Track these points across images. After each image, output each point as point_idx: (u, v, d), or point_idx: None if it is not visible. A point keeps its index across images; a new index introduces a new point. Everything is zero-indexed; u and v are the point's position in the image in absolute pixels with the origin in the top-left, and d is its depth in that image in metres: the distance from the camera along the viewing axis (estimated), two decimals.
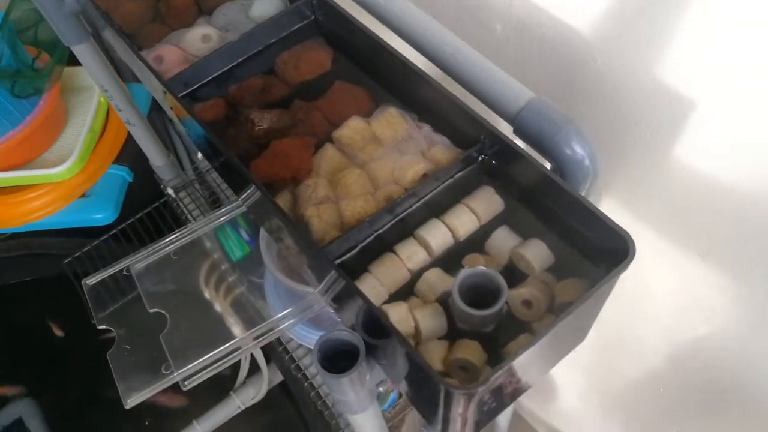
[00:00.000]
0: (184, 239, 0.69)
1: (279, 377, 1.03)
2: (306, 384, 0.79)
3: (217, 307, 0.71)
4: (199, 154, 1.30)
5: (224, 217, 0.71)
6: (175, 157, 1.15)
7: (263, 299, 0.74)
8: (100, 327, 0.64)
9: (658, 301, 0.74)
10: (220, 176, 0.54)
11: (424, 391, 0.38)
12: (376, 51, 0.48)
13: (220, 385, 1.07)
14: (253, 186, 0.43)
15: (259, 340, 0.61)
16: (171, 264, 0.68)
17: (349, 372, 0.42)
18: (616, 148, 0.59)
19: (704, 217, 0.57)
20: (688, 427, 0.85)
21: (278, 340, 0.83)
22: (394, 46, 0.50)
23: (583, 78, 0.59)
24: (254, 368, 1.01)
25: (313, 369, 0.80)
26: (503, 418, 1.16)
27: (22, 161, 1.12)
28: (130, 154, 1.25)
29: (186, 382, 0.58)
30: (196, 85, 0.52)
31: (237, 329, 0.68)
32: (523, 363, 0.38)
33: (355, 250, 0.42)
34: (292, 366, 0.81)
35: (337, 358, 0.43)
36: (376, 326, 0.42)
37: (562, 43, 0.58)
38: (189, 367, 0.58)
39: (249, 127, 0.48)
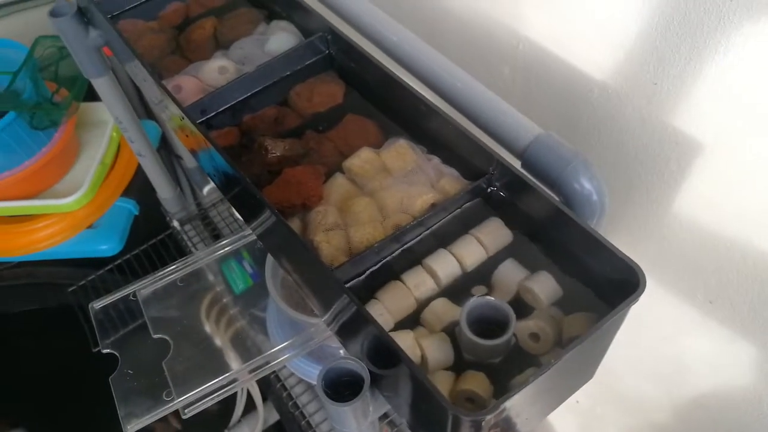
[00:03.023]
0: (190, 266, 0.69)
1: (274, 417, 1.01)
2: (303, 422, 0.77)
3: (219, 338, 0.71)
4: (204, 190, 1.31)
5: (230, 247, 0.72)
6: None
7: (264, 333, 0.74)
8: (104, 351, 0.63)
9: (661, 348, 0.73)
10: (231, 205, 0.55)
11: (430, 420, 0.38)
12: (388, 85, 0.50)
13: (215, 423, 1.04)
14: (265, 211, 0.43)
15: (260, 370, 0.60)
16: (177, 291, 0.68)
17: (353, 401, 0.41)
18: (621, 186, 0.59)
19: (711, 262, 0.57)
20: None
21: (276, 376, 0.82)
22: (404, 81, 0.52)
23: (585, 115, 0.60)
24: (250, 406, 1.00)
25: (311, 407, 0.79)
26: None
27: (34, 191, 1.13)
28: (137, 188, 1.27)
29: (186, 410, 0.57)
30: (213, 113, 0.53)
31: (237, 360, 0.67)
32: (531, 395, 0.37)
33: (362, 276, 0.42)
34: (290, 403, 0.80)
35: (341, 388, 0.43)
36: (382, 355, 0.42)
37: (565, 82, 0.60)
38: (190, 394, 0.57)
39: (262, 154, 0.49)
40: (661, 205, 0.59)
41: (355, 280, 0.42)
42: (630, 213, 0.62)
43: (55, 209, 1.12)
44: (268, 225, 0.46)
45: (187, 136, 0.54)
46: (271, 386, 0.86)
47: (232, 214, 0.99)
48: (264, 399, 0.96)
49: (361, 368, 0.43)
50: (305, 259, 0.42)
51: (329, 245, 0.44)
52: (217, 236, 1.09)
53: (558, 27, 0.57)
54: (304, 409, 0.77)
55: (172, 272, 0.69)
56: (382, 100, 0.52)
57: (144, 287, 0.66)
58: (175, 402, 0.56)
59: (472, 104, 0.49)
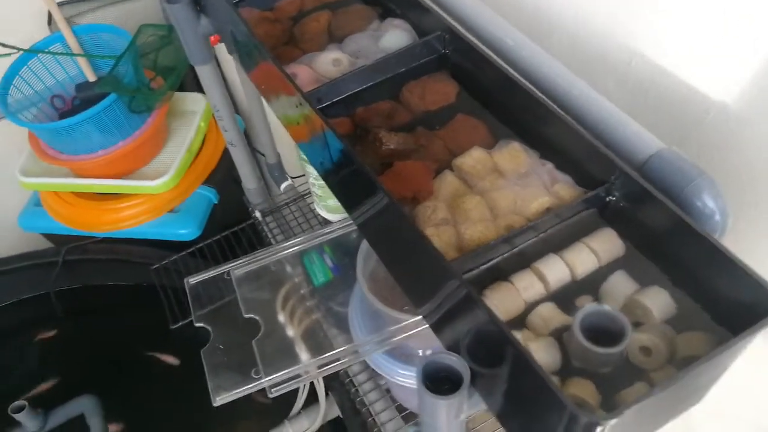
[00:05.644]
0: (286, 251, 0.71)
1: (334, 412, 1.01)
2: (369, 420, 0.78)
3: (293, 329, 0.72)
4: (281, 187, 1.34)
5: (321, 238, 0.73)
6: None
7: (339, 327, 0.75)
8: (197, 324, 0.65)
9: (757, 392, 0.69)
10: (334, 193, 0.56)
11: (535, 420, 0.37)
12: (506, 87, 0.50)
13: (274, 412, 1.06)
14: (378, 198, 0.44)
15: (332, 365, 0.61)
16: (268, 274, 0.69)
17: (452, 395, 0.41)
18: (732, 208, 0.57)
19: None
20: None
21: (345, 371, 0.82)
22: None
23: (696, 136, 0.58)
24: (310, 400, 1.01)
25: (378, 405, 0.79)
26: None
27: (124, 171, 1.19)
28: (218, 178, 1.31)
29: (273, 390, 0.58)
30: (328, 103, 0.55)
31: (309, 353, 0.68)
32: (644, 410, 0.36)
33: (473, 273, 0.42)
34: (357, 400, 0.80)
35: (438, 382, 0.43)
36: (483, 353, 0.41)
37: (678, 101, 0.58)
38: (277, 375, 0.58)
39: (376, 146, 0.50)
40: None
41: (465, 276, 0.42)
42: (734, 242, 0.60)
43: (142, 190, 1.17)
44: (375, 213, 0.47)
45: (298, 123, 0.55)
46: (337, 381, 0.86)
47: (312, 211, 1.00)
48: (326, 394, 0.97)
49: (462, 365, 0.42)
50: (418, 249, 0.42)
51: (439, 240, 0.44)
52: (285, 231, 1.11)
53: (677, 44, 0.56)
54: (371, 407, 0.77)
55: (265, 256, 0.70)
56: (496, 102, 0.53)
57: (237, 267, 0.68)
58: (262, 381, 0.58)
59: (589, 113, 0.48)
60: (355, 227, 0.81)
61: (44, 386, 1.26)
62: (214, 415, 1.12)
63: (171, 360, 1.21)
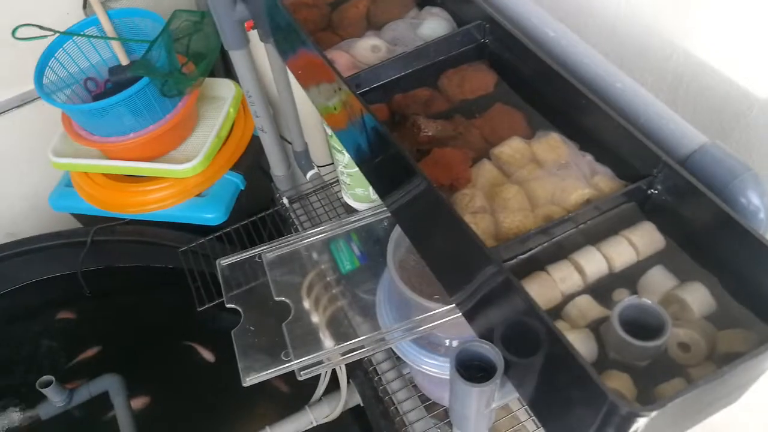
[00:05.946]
0: (316, 237, 0.71)
1: (355, 400, 1.02)
2: (392, 408, 0.78)
3: (318, 315, 0.73)
4: (308, 175, 1.35)
5: (349, 225, 0.73)
6: None
7: (364, 315, 0.75)
8: (228, 305, 0.66)
9: None
10: (368, 179, 0.56)
11: (571, 410, 0.37)
12: (546, 78, 0.49)
13: (295, 398, 1.07)
14: (415, 183, 0.44)
15: (369, 347, 0.61)
16: (300, 259, 0.70)
17: (486, 383, 0.41)
18: None
19: None
20: None
21: (369, 359, 0.83)
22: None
23: (737, 133, 0.57)
24: (332, 387, 1.01)
25: (401, 394, 0.79)
26: None
27: (154, 154, 1.20)
28: (245, 165, 1.32)
29: (302, 373, 0.58)
30: (366, 89, 0.55)
31: (334, 340, 0.68)
32: (678, 407, 0.36)
33: (510, 262, 0.42)
34: (380, 388, 0.80)
35: (471, 371, 0.43)
36: (517, 342, 0.41)
37: (719, 97, 0.57)
38: (307, 358, 0.58)
39: (414, 132, 0.50)
40: None
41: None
42: None
43: (171, 174, 1.18)
44: (412, 199, 0.47)
45: (335, 109, 0.56)
46: (360, 369, 0.86)
47: (339, 199, 1.01)
48: (347, 381, 0.97)
49: (495, 353, 0.42)
50: (456, 235, 0.42)
51: (477, 228, 0.44)
52: (311, 219, 1.11)
53: (719, 39, 0.55)
54: (394, 396, 0.77)
55: (295, 241, 0.71)
56: (535, 93, 0.52)
57: (269, 251, 0.69)
58: (292, 363, 0.58)
59: (632, 106, 0.48)
60: (383, 216, 0.81)
61: (70, 363, 1.28)
62: (235, 399, 1.13)
63: (207, 355, 1.23)
